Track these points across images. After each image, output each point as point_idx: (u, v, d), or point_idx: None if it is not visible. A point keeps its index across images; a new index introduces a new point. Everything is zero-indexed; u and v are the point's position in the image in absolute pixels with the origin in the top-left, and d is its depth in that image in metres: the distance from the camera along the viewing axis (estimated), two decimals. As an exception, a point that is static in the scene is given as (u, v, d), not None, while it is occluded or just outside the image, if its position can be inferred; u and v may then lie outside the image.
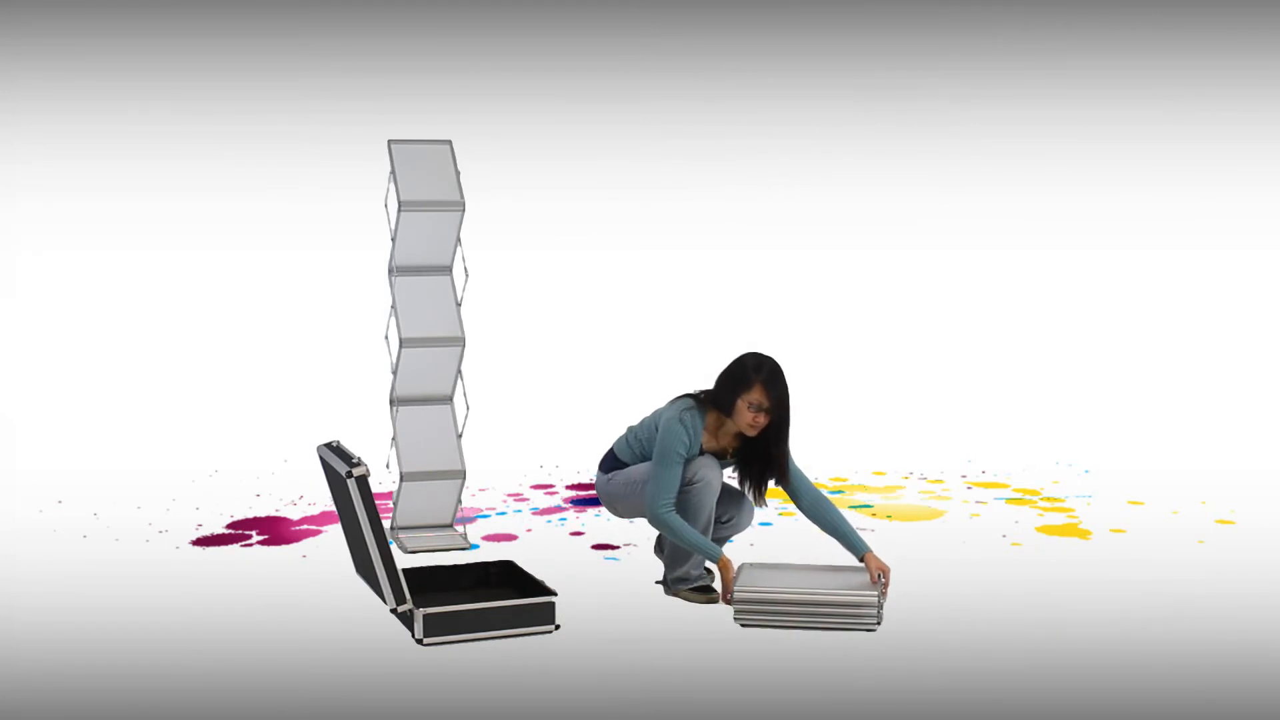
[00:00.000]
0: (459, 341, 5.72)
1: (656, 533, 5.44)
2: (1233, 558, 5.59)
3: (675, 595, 5.05)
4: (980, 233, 8.68)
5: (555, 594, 4.66)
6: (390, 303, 5.71)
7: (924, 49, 8.63)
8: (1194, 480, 6.89)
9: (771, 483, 5.00)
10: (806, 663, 4.39)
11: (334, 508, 5.44)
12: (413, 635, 4.52)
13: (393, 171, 5.63)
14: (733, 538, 5.26)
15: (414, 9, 8.41)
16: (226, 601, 4.98)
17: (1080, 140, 8.64)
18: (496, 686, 4.18)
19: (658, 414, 5.01)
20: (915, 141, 8.67)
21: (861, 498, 6.63)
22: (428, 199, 5.61)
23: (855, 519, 6.15)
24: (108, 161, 8.15)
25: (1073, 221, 8.69)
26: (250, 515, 6.26)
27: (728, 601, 4.84)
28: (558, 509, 6.44)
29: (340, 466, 4.50)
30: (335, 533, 5.82)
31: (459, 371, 5.79)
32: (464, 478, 5.80)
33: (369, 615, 4.78)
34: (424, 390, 5.78)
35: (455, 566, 5.08)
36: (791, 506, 5.87)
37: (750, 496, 5.04)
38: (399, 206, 5.58)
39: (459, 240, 5.73)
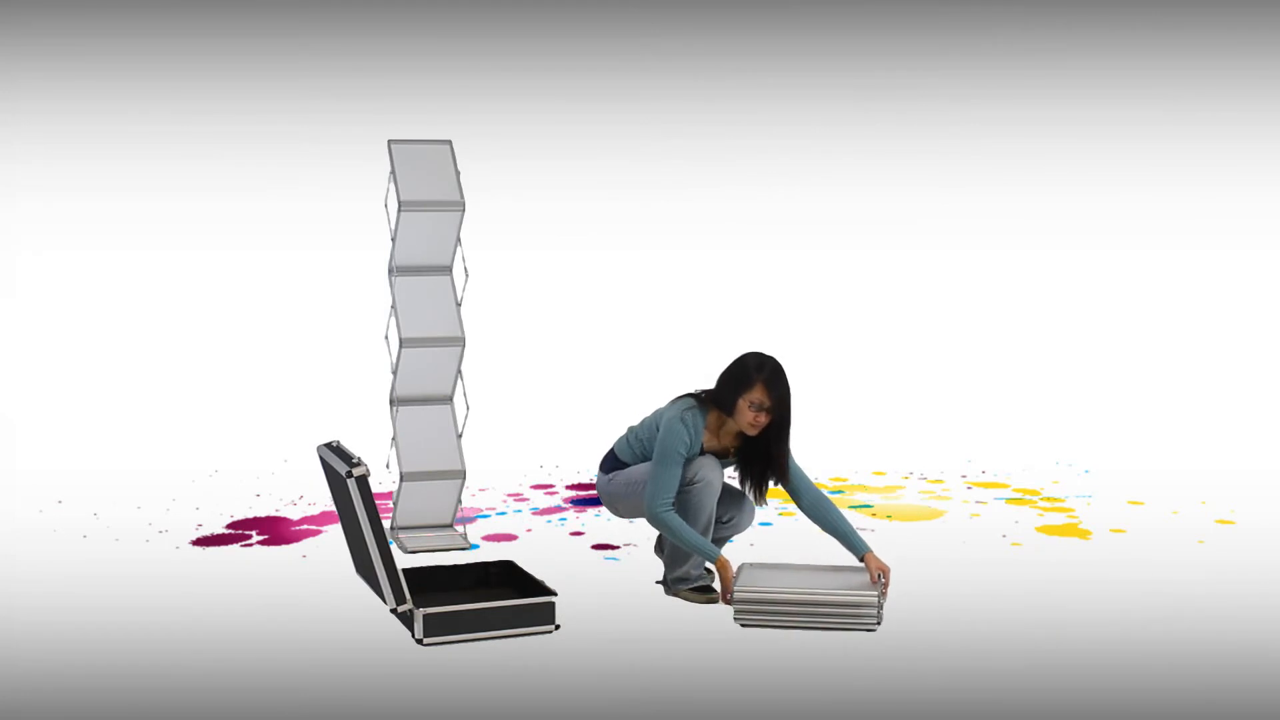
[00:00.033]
0: (459, 341, 5.72)
1: (657, 533, 5.44)
2: (1233, 558, 5.59)
3: (675, 595, 5.05)
4: (980, 233, 8.68)
5: (555, 594, 4.66)
6: (390, 303, 5.70)
7: (924, 49, 8.63)
8: (1194, 480, 6.89)
9: (773, 483, 5.00)
10: (806, 663, 4.39)
11: (334, 508, 5.44)
12: (413, 635, 4.52)
13: (393, 171, 5.63)
14: (733, 538, 5.26)
15: (414, 9, 8.41)
16: (226, 601, 4.97)
17: (1080, 140, 8.64)
18: (496, 686, 4.18)
19: (658, 414, 5.01)
20: (915, 141, 8.67)
21: (861, 498, 6.63)
22: (428, 199, 5.61)
23: (855, 519, 6.15)
24: (108, 161, 8.15)
25: (1073, 221, 8.69)
26: (250, 515, 6.26)
27: (727, 601, 4.84)
28: (558, 509, 6.44)
29: (340, 466, 4.50)
30: (335, 533, 5.82)
31: (459, 371, 5.79)
32: (464, 478, 5.80)
33: (369, 615, 4.78)
34: (424, 390, 5.78)
35: (455, 566, 5.08)
36: (791, 506, 5.87)
37: (751, 496, 5.04)
38: (399, 206, 5.58)
39: (459, 240, 5.73)
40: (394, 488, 5.94)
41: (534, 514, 6.35)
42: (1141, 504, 6.49)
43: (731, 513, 5.09)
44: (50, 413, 7.74)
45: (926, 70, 8.63)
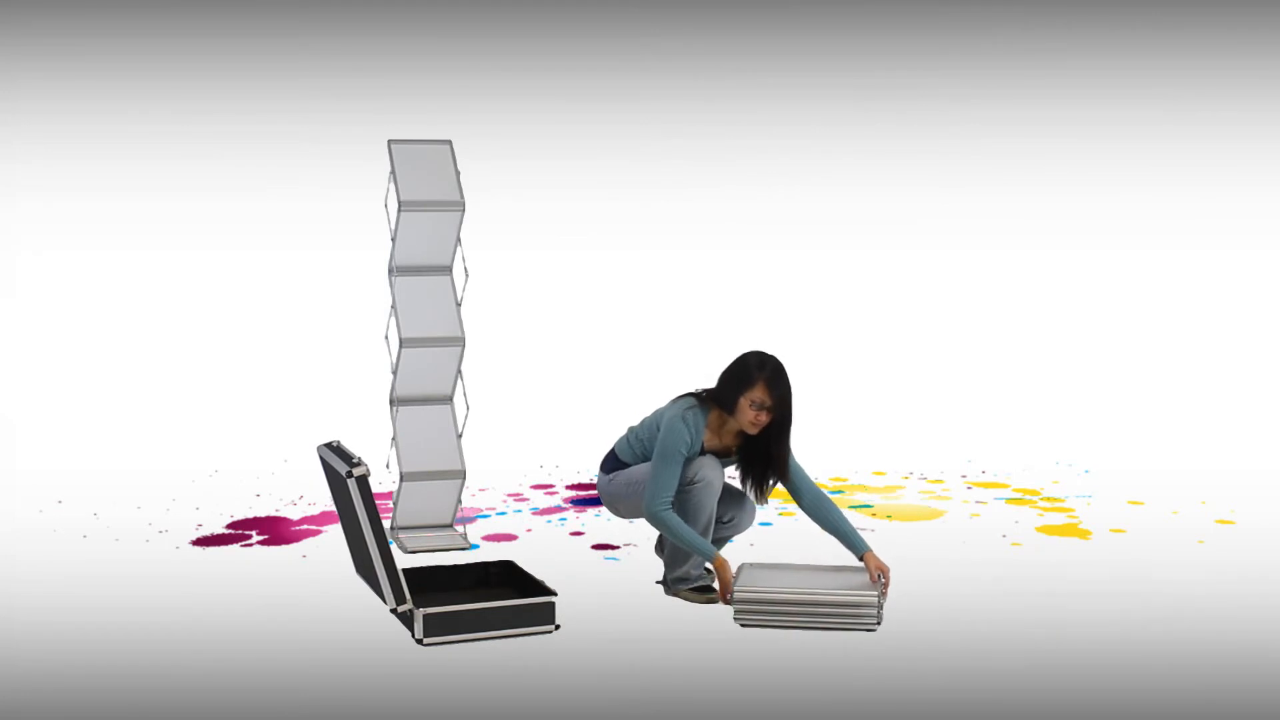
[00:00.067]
0: (459, 341, 5.72)
1: (657, 533, 5.44)
2: (1233, 558, 5.59)
3: (675, 595, 5.05)
4: (980, 233, 8.68)
5: (555, 594, 4.66)
6: (390, 303, 5.70)
7: (924, 49, 8.63)
8: (1194, 480, 6.89)
9: (774, 482, 4.99)
10: (806, 663, 4.39)
11: (334, 508, 5.44)
12: (413, 635, 4.52)
13: (393, 171, 5.63)
14: (733, 538, 5.26)
15: (414, 9, 8.41)
16: (226, 601, 4.97)
17: (1080, 140, 8.64)
18: (496, 686, 4.18)
19: (659, 413, 5.01)
20: (915, 141, 8.67)
21: (861, 498, 6.63)
22: (428, 199, 5.61)
23: (855, 519, 6.15)
24: (108, 161, 8.15)
25: (1073, 221, 8.69)
26: (250, 515, 6.26)
27: (726, 601, 4.84)
28: (558, 509, 6.44)
29: (340, 466, 4.50)
30: (335, 533, 5.82)
31: (459, 371, 5.79)
32: (464, 478, 5.80)
33: (369, 615, 4.78)
34: (424, 390, 5.78)
35: (455, 566, 5.08)
36: (792, 506, 5.87)
37: (752, 495, 5.03)
38: (399, 206, 5.58)
39: (459, 240, 5.73)
40: (394, 488, 5.94)
41: (534, 514, 6.35)
42: (1141, 504, 6.49)
43: (732, 513, 5.09)
44: (50, 413, 7.74)
45: (926, 70, 8.63)
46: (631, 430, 5.10)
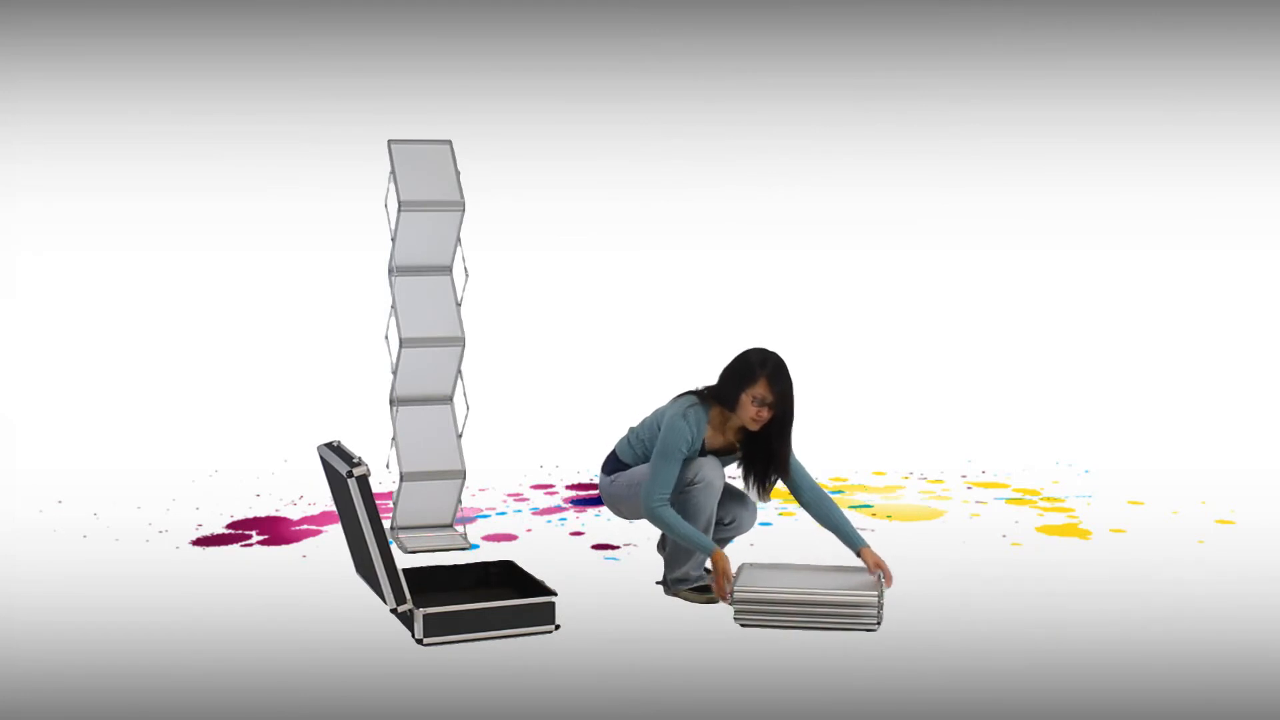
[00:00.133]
0: (459, 341, 5.72)
1: (659, 532, 5.44)
2: (1233, 558, 5.59)
3: (675, 595, 5.05)
4: (980, 233, 8.68)
5: (555, 594, 4.66)
6: (390, 303, 5.71)
7: (924, 49, 8.63)
8: (1194, 480, 6.89)
9: (776, 480, 4.99)
10: (806, 663, 4.39)
11: (334, 508, 5.44)
12: (413, 635, 4.52)
13: (393, 171, 5.63)
14: (734, 539, 5.26)
15: (414, 9, 8.41)
16: (226, 601, 4.97)
17: (1080, 140, 8.64)
18: (496, 686, 4.18)
19: (659, 412, 5.01)
20: (915, 141, 8.67)
21: (861, 498, 6.63)
22: (428, 199, 5.61)
23: (855, 519, 6.15)
24: (108, 161, 8.15)
25: (1073, 221, 8.69)
26: (250, 515, 6.26)
27: (722, 593, 4.83)
28: (558, 509, 6.44)
29: (340, 466, 4.50)
30: (335, 533, 5.82)
31: (459, 371, 5.79)
32: (464, 478, 5.80)
33: (369, 615, 4.78)
34: (424, 390, 5.78)
35: (455, 566, 5.08)
36: (792, 506, 5.88)
37: (754, 493, 5.03)
38: (399, 206, 5.58)
39: (459, 240, 5.73)
40: (394, 488, 5.94)
41: (534, 514, 6.35)
42: (1141, 504, 6.49)
43: (733, 514, 5.09)
44: (50, 413, 7.75)
45: (926, 70, 8.64)
46: (632, 430, 5.10)
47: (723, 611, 4.82)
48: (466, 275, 5.77)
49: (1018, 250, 8.69)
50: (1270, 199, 8.63)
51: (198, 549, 5.71)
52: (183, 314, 8.18)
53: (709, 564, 4.94)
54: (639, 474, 4.98)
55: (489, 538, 5.90)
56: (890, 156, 8.67)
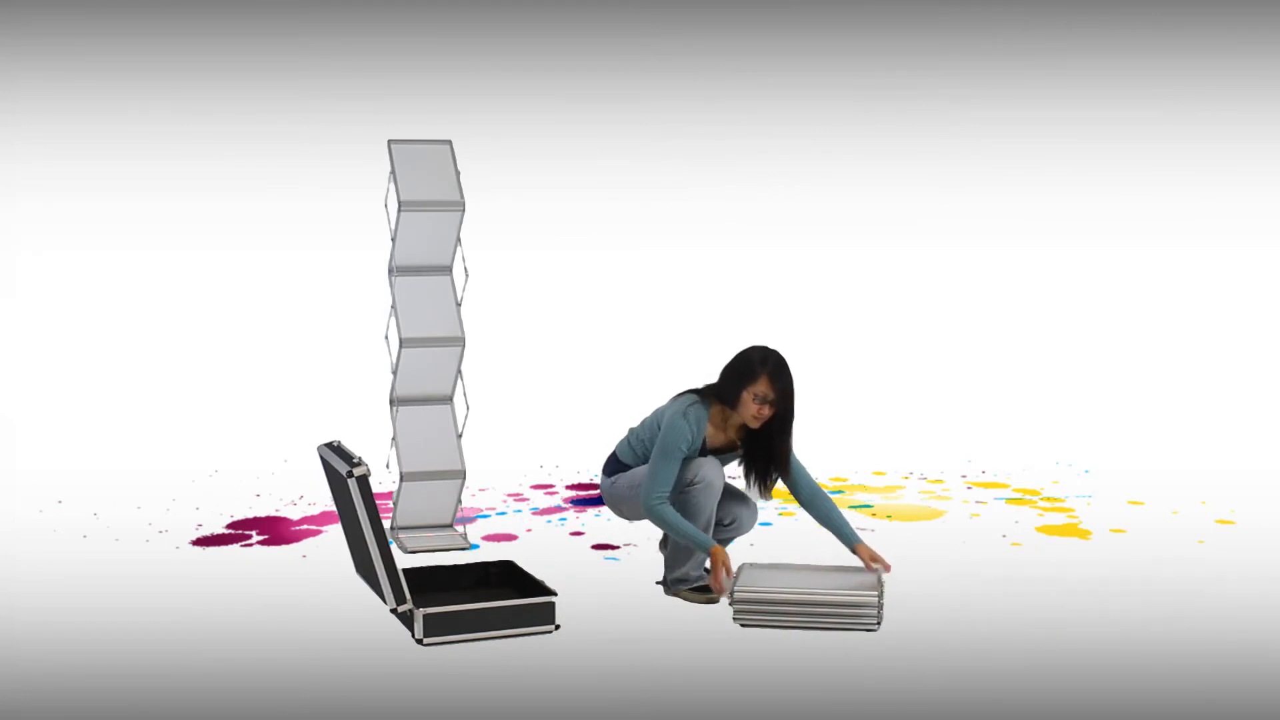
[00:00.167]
0: (459, 341, 5.72)
1: (661, 531, 5.44)
2: (1233, 558, 5.59)
3: (675, 595, 5.05)
4: (980, 233, 8.68)
5: (555, 594, 4.66)
6: (390, 303, 5.71)
7: (924, 49, 8.63)
8: (1194, 480, 6.89)
9: (778, 478, 5.00)
10: (806, 663, 4.39)
11: (334, 508, 5.44)
12: (413, 635, 4.52)
13: (393, 171, 5.63)
14: (734, 539, 5.26)
15: (414, 9, 8.41)
16: (226, 601, 4.97)
17: (1080, 140, 8.64)
18: (496, 686, 4.18)
19: (659, 412, 5.01)
20: (915, 141, 8.67)
21: (861, 498, 6.63)
22: (428, 199, 5.61)
23: (855, 519, 6.15)
24: (108, 161, 8.15)
25: (1073, 221, 8.69)
26: (250, 515, 6.26)
27: (719, 587, 4.82)
28: (558, 509, 6.44)
29: (341, 466, 4.50)
30: (335, 533, 5.82)
31: (459, 371, 5.79)
32: (464, 478, 5.80)
33: (369, 615, 4.78)
34: (424, 390, 5.78)
35: (455, 566, 5.08)
36: (792, 506, 5.87)
37: (756, 491, 5.04)
38: (399, 206, 5.58)
39: (459, 240, 5.73)
40: (394, 488, 5.94)
41: (534, 514, 6.35)
42: (1141, 504, 6.49)
43: (734, 514, 5.08)
44: (50, 413, 7.75)
45: (926, 70, 8.64)
46: (632, 431, 5.10)
47: (723, 611, 4.82)
48: (466, 275, 5.77)
49: (1018, 250, 8.69)
50: (1270, 199, 8.63)
51: (198, 549, 5.71)
52: (183, 314, 8.18)
53: (709, 563, 4.94)
54: (639, 475, 4.98)
55: (489, 538, 5.90)
56: (890, 156, 8.67)
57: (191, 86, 8.22)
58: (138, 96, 8.19)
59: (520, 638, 4.58)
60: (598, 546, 5.78)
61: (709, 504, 4.89)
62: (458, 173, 5.69)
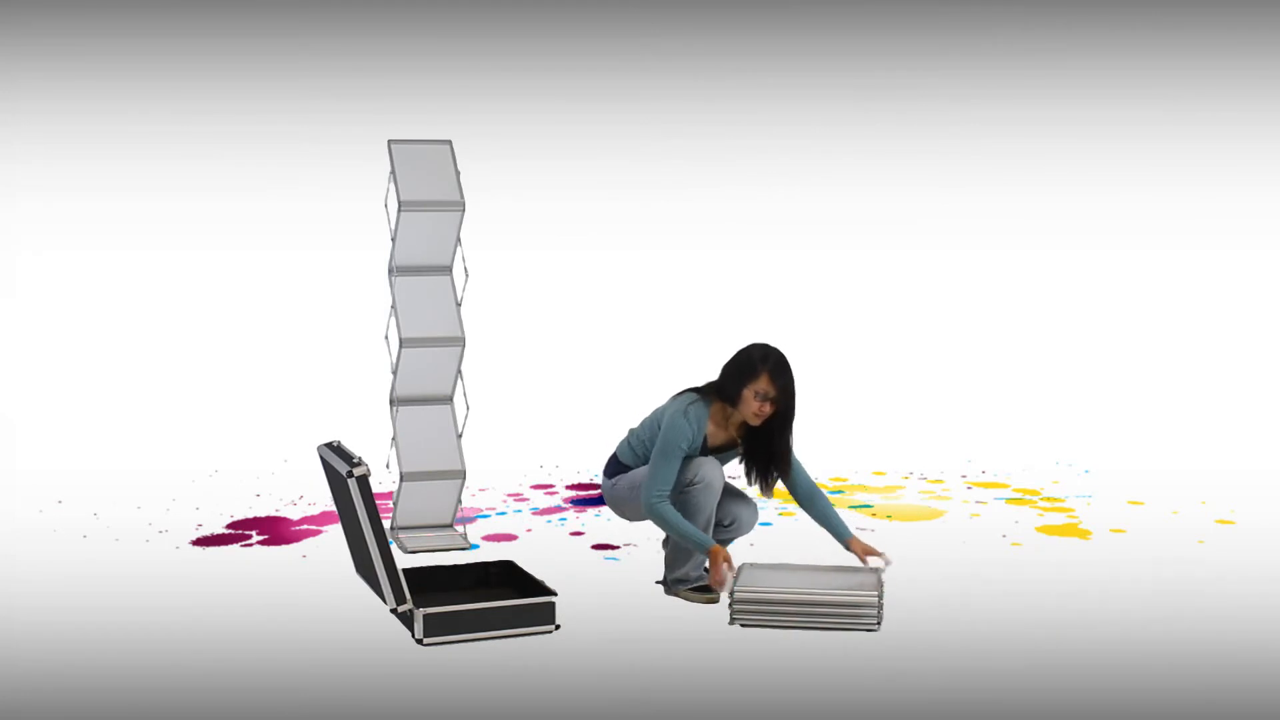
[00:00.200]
0: (459, 341, 5.72)
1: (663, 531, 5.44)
2: (1233, 558, 5.59)
3: (675, 595, 5.05)
4: (980, 233, 8.68)
5: (555, 594, 4.66)
6: (390, 303, 5.71)
7: (924, 49, 8.63)
8: (1194, 480, 6.89)
9: (779, 476, 5.00)
10: (806, 663, 4.39)
11: (334, 508, 5.44)
12: (413, 635, 4.52)
13: (393, 171, 5.63)
14: (734, 539, 5.25)
15: (414, 9, 8.41)
16: (226, 601, 4.97)
17: (1080, 140, 8.64)
18: (496, 686, 4.18)
19: (659, 411, 5.01)
20: (915, 141, 8.67)
21: (861, 498, 6.63)
22: (428, 199, 5.61)
23: (855, 519, 6.16)
24: (108, 161, 8.15)
25: (1073, 221, 8.69)
26: (250, 515, 6.26)
27: (720, 583, 4.82)
28: (558, 509, 6.44)
29: (340, 466, 4.50)
30: (335, 533, 5.82)
31: (459, 371, 5.79)
32: (464, 478, 5.80)
33: (369, 615, 4.78)
34: (424, 390, 5.78)
35: (455, 566, 5.08)
36: (791, 506, 5.87)
37: (757, 488, 5.04)
38: (399, 206, 5.58)
39: (459, 240, 5.73)
40: (394, 488, 5.94)
41: (534, 514, 6.35)
42: (1141, 504, 6.49)
43: (733, 515, 5.08)
44: (50, 413, 7.74)
45: (926, 70, 8.63)
46: (632, 432, 5.10)
47: (723, 611, 4.82)
48: (466, 275, 5.77)
49: (1018, 250, 8.69)
50: (1270, 199, 8.63)
51: (198, 549, 5.71)
52: (183, 314, 8.18)
53: (708, 562, 4.94)
54: (640, 476, 4.98)
55: (489, 538, 5.90)
56: (890, 156, 8.67)
57: (191, 86, 8.22)
58: (138, 96, 8.18)
59: (520, 638, 4.58)
60: (598, 546, 5.78)
61: (709, 504, 4.89)
62: (458, 173, 5.69)
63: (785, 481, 4.99)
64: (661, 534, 5.38)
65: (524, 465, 7.22)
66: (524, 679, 4.24)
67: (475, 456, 6.04)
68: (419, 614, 4.50)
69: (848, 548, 4.92)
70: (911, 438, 7.76)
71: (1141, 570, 5.39)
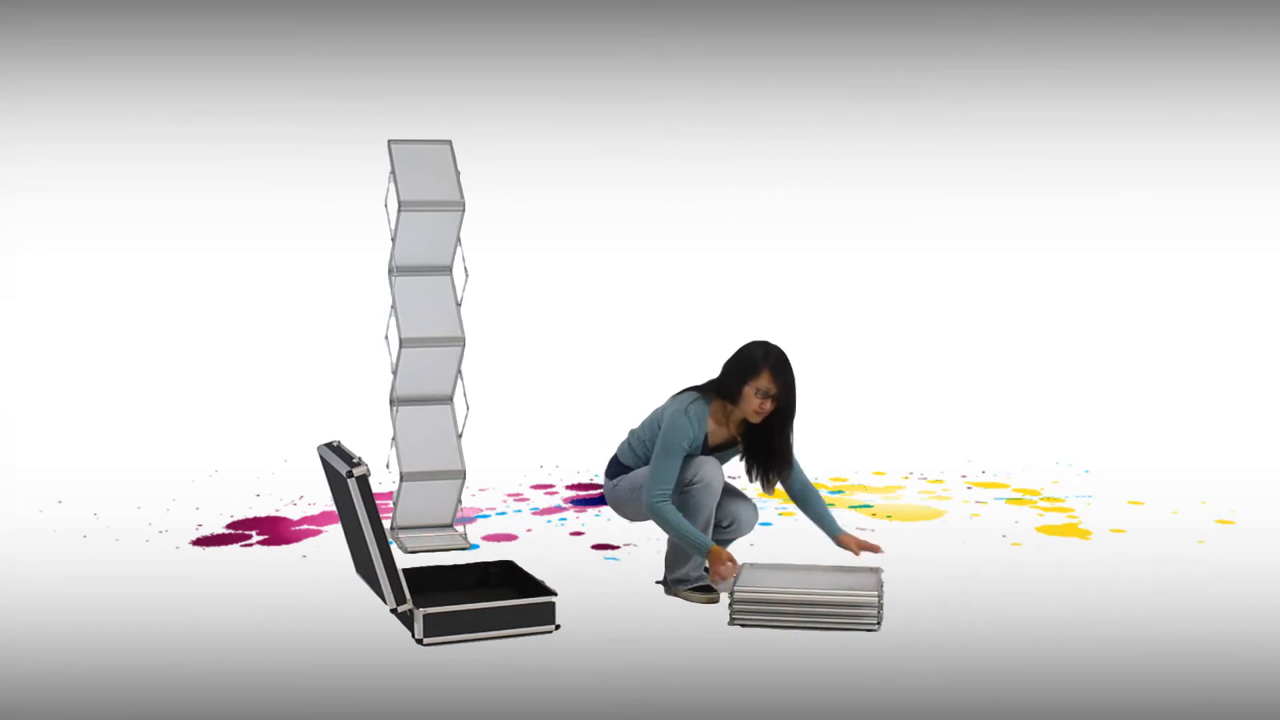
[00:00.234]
0: (459, 341, 5.72)
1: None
2: (1233, 558, 5.59)
3: (675, 595, 5.05)
4: (980, 233, 8.68)
5: (555, 594, 4.66)
6: (390, 303, 5.71)
7: (924, 49, 8.63)
8: (1194, 480, 6.89)
9: (780, 472, 5.01)
10: (806, 663, 4.39)
11: (334, 508, 5.44)
12: (413, 635, 4.52)
13: (393, 171, 5.63)
14: (733, 540, 5.25)
15: (414, 9, 8.41)
16: (226, 601, 4.97)
17: (1080, 140, 8.64)
18: (496, 686, 4.18)
19: (659, 411, 5.01)
20: (915, 141, 8.67)
21: (861, 498, 6.63)
22: (428, 199, 5.61)
23: (855, 519, 6.17)
24: (108, 161, 8.15)
25: (1073, 221, 8.69)
26: (250, 515, 6.26)
27: (725, 576, 4.81)
28: (558, 509, 6.44)
29: (340, 466, 4.50)
30: (335, 533, 5.82)
31: (459, 371, 5.79)
32: (464, 478, 5.80)
33: (369, 615, 4.78)
34: (424, 390, 5.78)
35: (455, 566, 5.08)
36: (792, 506, 5.87)
37: (758, 484, 5.04)
38: (399, 206, 5.58)
39: (459, 240, 5.73)
40: (394, 488, 5.94)
41: (534, 514, 6.35)
42: (1141, 504, 6.49)
43: (732, 516, 5.08)
44: (50, 413, 7.74)
45: (926, 70, 8.63)
46: (632, 433, 5.10)
47: (723, 612, 4.82)
48: (466, 275, 5.77)
49: (1018, 250, 8.69)
50: (1270, 199, 8.63)
51: (198, 549, 5.71)
52: (183, 314, 8.18)
53: (708, 563, 4.94)
54: (640, 476, 4.98)
55: (489, 538, 5.90)
56: (890, 156, 8.67)
57: (191, 86, 8.22)
58: (138, 96, 8.18)
59: (520, 638, 4.58)
60: (598, 546, 5.78)
61: (708, 503, 4.89)
62: (458, 173, 5.69)
63: (782, 478, 5.00)
64: (659, 535, 5.37)
65: (524, 465, 7.22)
66: (524, 679, 4.24)
67: (475, 456, 6.04)
68: (419, 614, 4.50)
69: (838, 543, 4.94)
70: (911, 438, 7.76)
71: (1141, 570, 5.39)
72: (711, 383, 4.96)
